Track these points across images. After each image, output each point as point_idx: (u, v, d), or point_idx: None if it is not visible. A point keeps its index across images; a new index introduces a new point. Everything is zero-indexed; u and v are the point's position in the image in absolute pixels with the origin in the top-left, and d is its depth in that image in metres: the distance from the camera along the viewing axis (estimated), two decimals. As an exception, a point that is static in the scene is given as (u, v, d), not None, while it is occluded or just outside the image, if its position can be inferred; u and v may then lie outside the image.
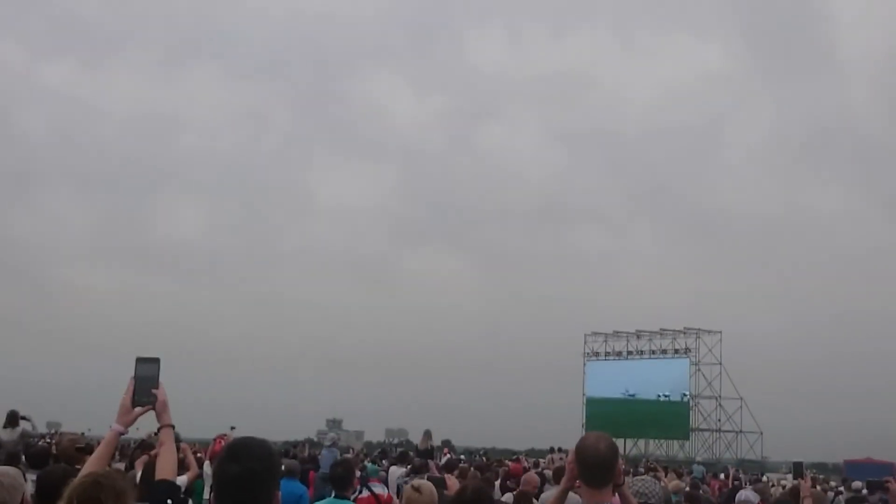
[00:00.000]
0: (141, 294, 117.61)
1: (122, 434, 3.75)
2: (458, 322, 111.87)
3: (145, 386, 3.66)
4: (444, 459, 19.64)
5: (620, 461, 4.23)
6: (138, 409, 3.67)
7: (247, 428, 23.53)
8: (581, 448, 4.10)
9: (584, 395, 62.58)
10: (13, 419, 14.05)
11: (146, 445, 14.30)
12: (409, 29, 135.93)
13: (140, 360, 3.70)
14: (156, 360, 3.71)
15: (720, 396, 57.97)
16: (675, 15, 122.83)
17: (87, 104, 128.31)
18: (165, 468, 3.68)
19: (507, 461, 27.79)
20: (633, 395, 58.72)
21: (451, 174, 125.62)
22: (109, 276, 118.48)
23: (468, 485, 7.25)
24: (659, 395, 58.36)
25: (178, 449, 10.35)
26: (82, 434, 14.86)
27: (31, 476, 7.00)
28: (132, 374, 3.66)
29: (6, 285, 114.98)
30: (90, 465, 3.65)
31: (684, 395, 58.24)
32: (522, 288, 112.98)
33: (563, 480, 4.28)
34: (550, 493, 9.11)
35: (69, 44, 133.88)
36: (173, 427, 3.78)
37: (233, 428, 20.98)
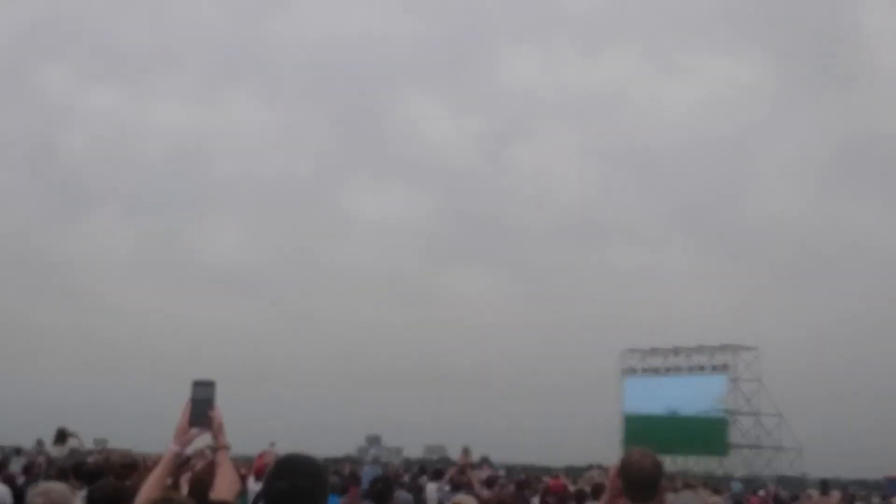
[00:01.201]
0: (182, 314, 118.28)
1: (179, 454, 3.85)
2: (495, 338, 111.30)
3: (202, 408, 3.75)
4: (483, 476, 19.69)
5: None
6: (194, 431, 3.76)
7: (287, 444, 23.70)
8: (626, 464, 4.13)
9: (621, 411, 62.25)
10: (62, 436, 14.31)
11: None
12: (444, 49, 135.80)
13: (196, 383, 3.78)
14: (211, 384, 3.79)
15: (759, 413, 57.45)
16: (707, 31, 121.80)
17: (130, 127, 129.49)
18: (223, 489, 3.76)
19: (545, 478, 27.83)
20: (675, 412, 58.28)
21: (487, 192, 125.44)
22: (152, 295, 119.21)
23: (491, 499, 7.35)
24: (697, 412, 57.97)
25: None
26: (129, 450, 15.12)
27: (81, 493, 7.21)
28: (189, 396, 3.74)
29: (53, 305, 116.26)
30: (151, 486, 3.75)
31: (722, 411, 57.78)
32: (558, 304, 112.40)
33: (605, 497, 4.33)
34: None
35: (114, 69, 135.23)
36: (229, 448, 3.89)
37: (273, 444, 21.17)
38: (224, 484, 3.79)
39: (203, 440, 3.91)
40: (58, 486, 4.75)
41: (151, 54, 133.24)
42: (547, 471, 43.95)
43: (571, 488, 16.99)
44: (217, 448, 3.85)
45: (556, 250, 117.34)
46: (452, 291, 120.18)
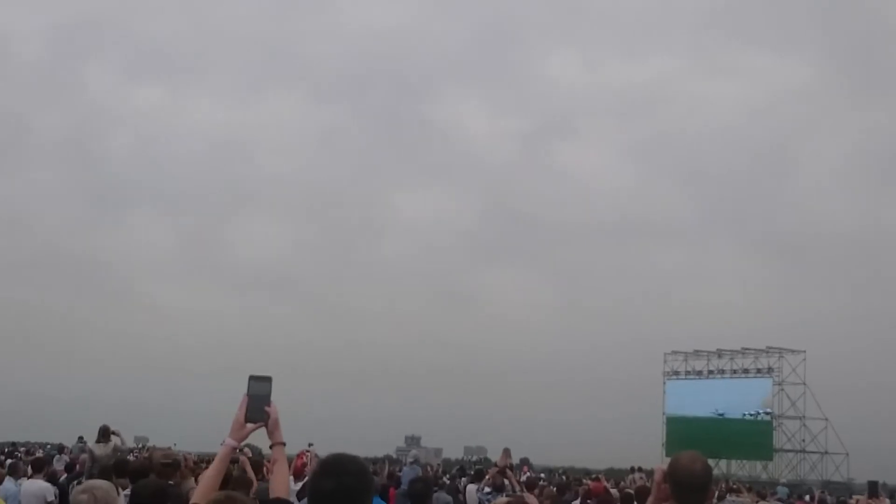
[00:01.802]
0: (222, 312, 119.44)
1: (236, 449, 3.85)
2: (535, 339, 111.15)
3: (258, 404, 3.76)
4: (524, 477, 19.59)
5: None
6: (250, 426, 3.76)
7: (326, 444, 23.74)
8: (675, 468, 4.05)
9: (664, 414, 61.85)
10: (105, 434, 14.38)
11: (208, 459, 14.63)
12: (486, 49, 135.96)
13: (253, 378, 3.80)
14: (268, 379, 3.81)
15: (804, 417, 56.81)
16: (753, 31, 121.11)
17: (171, 126, 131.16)
18: (280, 487, 3.77)
19: (586, 480, 27.67)
20: (722, 414, 57.80)
21: (528, 192, 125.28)
22: (192, 294, 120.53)
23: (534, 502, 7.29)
24: (743, 415, 57.48)
25: (235, 464, 10.56)
26: (170, 448, 15.18)
27: (125, 491, 7.23)
28: (246, 391, 3.74)
29: (94, 304, 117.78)
30: (209, 483, 3.76)
31: (767, 414, 57.24)
32: (600, 305, 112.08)
33: (650, 500, 4.26)
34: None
35: (155, 69, 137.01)
36: (285, 445, 3.89)
37: (311, 445, 21.20)
38: (280, 483, 3.79)
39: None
40: (102, 484, 4.75)
41: (192, 54, 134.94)
42: (587, 473, 43.74)
43: (614, 491, 16.84)
44: (273, 444, 3.84)
45: (598, 250, 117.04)
46: (493, 291, 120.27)
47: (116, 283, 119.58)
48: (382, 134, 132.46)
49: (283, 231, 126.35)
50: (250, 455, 12.63)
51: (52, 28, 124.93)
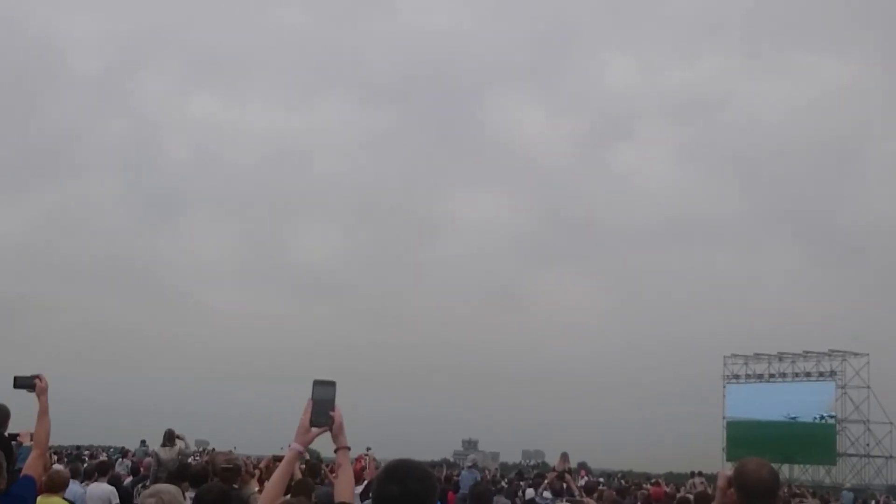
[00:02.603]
0: (277, 316, 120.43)
1: (301, 454, 3.90)
2: (591, 343, 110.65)
3: (323, 408, 3.77)
4: (582, 482, 19.52)
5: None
6: (315, 430, 3.77)
7: (383, 447, 23.89)
8: (742, 474, 4.02)
9: (723, 417, 61.22)
10: (171, 438, 14.59)
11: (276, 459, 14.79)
12: (540, 50, 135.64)
13: (317, 383, 3.82)
14: (332, 384, 3.82)
15: (868, 420, 55.89)
16: (806, 30, 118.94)
17: (225, 133, 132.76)
18: (345, 491, 3.80)
19: (645, 485, 27.48)
20: (795, 418, 57.09)
21: (583, 195, 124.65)
22: (247, 299, 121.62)
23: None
24: (808, 418, 56.73)
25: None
26: (230, 452, 15.36)
27: (190, 494, 7.35)
28: (310, 395, 3.77)
29: (151, 309, 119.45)
30: (273, 487, 3.81)
31: (830, 418, 56.41)
32: (657, 308, 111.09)
33: None
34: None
35: (209, 77, 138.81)
36: (349, 449, 3.93)
37: (369, 449, 21.34)
38: (344, 486, 3.82)
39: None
40: (170, 488, 4.84)
41: (246, 61, 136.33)
42: (647, 477, 43.43)
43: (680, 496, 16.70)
44: (337, 448, 3.86)
45: (655, 253, 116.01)
46: (548, 293, 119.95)
47: (174, 289, 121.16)
48: (436, 137, 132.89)
49: (337, 235, 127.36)
50: (308, 458, 12.75)
51: (109, 38, 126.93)
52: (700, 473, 31.85)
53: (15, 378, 5.93)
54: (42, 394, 5.93)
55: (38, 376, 5.93)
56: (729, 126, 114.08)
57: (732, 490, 4.08)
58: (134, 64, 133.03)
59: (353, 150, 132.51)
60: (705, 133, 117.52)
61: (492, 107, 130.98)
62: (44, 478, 7.63)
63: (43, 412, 5.95)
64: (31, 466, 5.63)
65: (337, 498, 3.80)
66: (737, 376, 61.80)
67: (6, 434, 8.10)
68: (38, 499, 5.99)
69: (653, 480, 32.18)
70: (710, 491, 13.99)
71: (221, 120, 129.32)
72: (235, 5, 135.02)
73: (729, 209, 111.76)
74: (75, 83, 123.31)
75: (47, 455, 7.64)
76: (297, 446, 3.81)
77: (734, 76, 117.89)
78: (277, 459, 14.92)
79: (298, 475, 9.52)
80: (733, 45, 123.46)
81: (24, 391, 6.00)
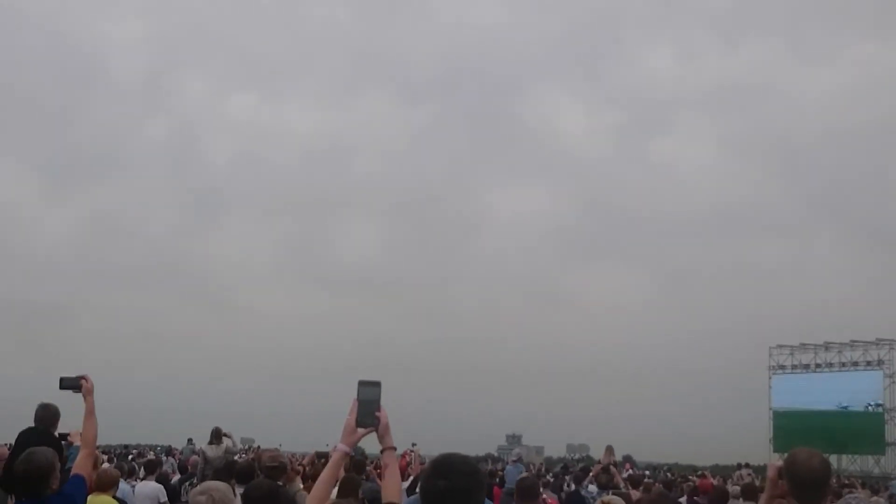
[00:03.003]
0: (320, 314, 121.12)
1: (348, 454, 3.89)
2: (635, 336, 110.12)
3: (368, 409, 3.77)
4: (626, 474, 19.42)
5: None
6: (361, 431, 3.77)
7: (428, 443, 23.91)
8: (793, 464, 3.99)
9: (770, 409, 60.60)
10: (217, 436, 14.69)
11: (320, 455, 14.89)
12: (577, 43, 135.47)
13: (362, 384, 3.81)
14: (377, 384, 3.82)
15: (918, 410, 55.14)
16: (849, 15, 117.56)
17: (268, 132, 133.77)
18: (392, 491, 3.78)
19: (692, 477, 27.28)
20: (846, 407, 56.42)
21: (624, 188, 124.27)
22: (290, 297, 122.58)
23: (642, 499, 7.23)
24: (851, 409, 56.03)
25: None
26: (276, 449, 15.41)
27: (240, 490, 7.39)
28: (355, 396, 3.78)
29: (197, 308, 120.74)
30: (321, 487, 3.81)
31: (879, 407, 55.65)
32: (700, 300, 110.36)
33: (763, 498, 4.18)
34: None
35: (251, 76, 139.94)
36: (395, 449, 3.90)
37: (414, 445, 21.36)
38: (392, 486, 3.81)
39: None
40: (220, 486, 4.85)
41: (286, 60, 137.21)
42: (693, 469, 43.12)
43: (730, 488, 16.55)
44: (384, 449, 3.85)
45: (696, 244, 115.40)
46: (591, 286, 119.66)
47: (219, 289, 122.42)
48: (476, 132, 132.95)
49: (379, 232, 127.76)
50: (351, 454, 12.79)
51: (148, 41, 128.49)
52: (747, 465, 31.56)
53: (61, 379, 6.00)
54: (88, 394, 5.99)
55: (83, 377, 5.99)
56: (772, 114, 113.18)
57: (783, 481, 4.04)
58: (174, 66, 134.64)
59: (394, 147, 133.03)
60: (747, 121, 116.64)
61: (531, 101, 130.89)
62: (93, 476, 7.70)
63: (89, 412, 6.01)
64: (80, 466, 5.70)
65: (385, 498, 3.79)
66: (782, 367, 61.11)
67: (56, 434, 8.21)
68: (88, 497, 6.04)
69: (699, 473, 31.96)
70: (758, 483, 13.85)
71: (261, 119, 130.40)
72: (273, 5, 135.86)
73: (773, 198, 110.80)
74: (117, 86, 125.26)
75: (97, 454, 7.73)
76: (344, 447, 3.80)
77: (776, 63, 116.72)
78: (321, 456, 15.00)
79: (342, 472, 9.54)
80: (775, 31, 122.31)
81: (70, 392, 6.07)
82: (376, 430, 3.80)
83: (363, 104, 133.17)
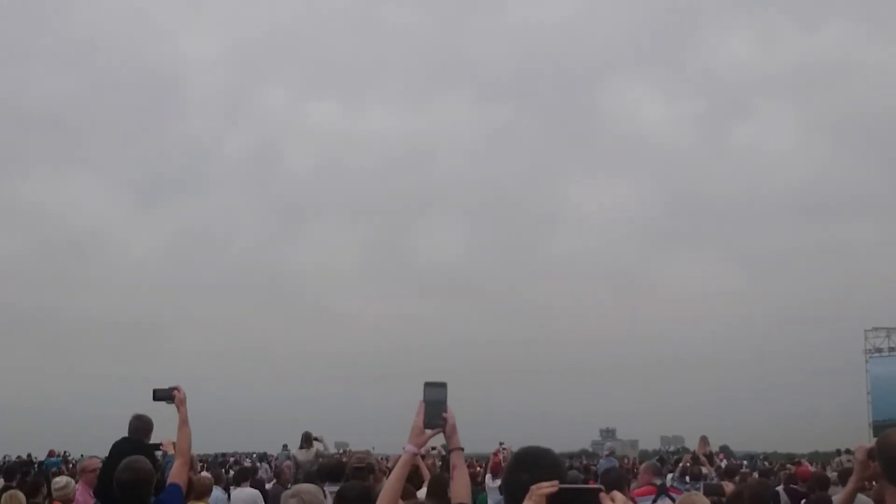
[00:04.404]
0: (407, 316, 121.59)
1: (416, 455, 3.93)
2: (723, 325, 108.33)
3: (435, 410, 3.77)
4: (722, 464, 19.19)
5: None
6: (429, 432, 3.78)
7: (521, 441, 23.83)
8: (885, 444, 3.87)
9: (868, 393, 59.19)
10: (308, 440, 14.89)
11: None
12: (653, 32, 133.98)
13: (428, 385, 3.81)
14: (443, 385, 3.81)
15: None
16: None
17: (349, 138, 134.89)
18: (461, 492, 3.83)
19: (789, 465, 26.79)
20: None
21: (707, 176, 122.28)
22: (377, 301, 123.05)
23: (742, 490, 7.15)
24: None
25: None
26: (368, 451, 15.56)
27: (330, 488, 7.50)
28: (422, 398, 3.81)
29: (286, 312, 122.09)
30: (391, 488, 3.86)
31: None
32: (789, 287, 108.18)
33: (852, 480, 4.12)
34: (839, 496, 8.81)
35: (329, 83, 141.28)
36: (463, 450, 3.92)
37: (502, 444, 21.41)
38: (461, 487, 3.84)
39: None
40: (309, 488, 4.96)
41: (363, 66, 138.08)
42: (790, 457, 42.37)
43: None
44: (451, 450, 3.89)
45: (783, 230, 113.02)
46: (676, 278, 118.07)
47: (308, 297, 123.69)
48: (554, 128, 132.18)
49: (462, 232, 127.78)
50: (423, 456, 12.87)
51: (230, 52, 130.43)
52: (847, 451, 30.88)
53: (154, 391, 6.13)
54: (181, 405, 6.11)
55: (175, 388, 6.12)
56: (854, 93, 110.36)
57: (875, 463, 3.96)
58: (252, 79, 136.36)
59: (473, 147, 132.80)
60: (830, 102, 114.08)
61: (607, 93, 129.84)
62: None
63: (183, 422, 6.14)
64: (176, 475, 5.84)
65: (455, 498, 3.81)
66: (879, 350, 59.67)
67: (150, 444, 8.41)
68: (184, 505, 6.19)
69: (796, 460, 31.39)
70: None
71: (341, 126, 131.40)
72: (345, 11, 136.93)
73: (861, 182, 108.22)
74: (198, 102, 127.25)
75: (194, 461, 7.91)
76: (412, 448, 3.82)
77: (856, 42, 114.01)
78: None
79: (426, 472, 9.59)
80: (853, 9, 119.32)
81: (163, 403, 6.21)
82: (444, 431, 3.81)
83: (441, 106, 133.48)
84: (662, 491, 9.63)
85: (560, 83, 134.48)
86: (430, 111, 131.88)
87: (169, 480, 5.84)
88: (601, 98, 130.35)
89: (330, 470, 9.18)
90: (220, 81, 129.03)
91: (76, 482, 10.01)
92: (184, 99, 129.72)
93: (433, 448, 15.80)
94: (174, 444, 6.76)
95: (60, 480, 9.85)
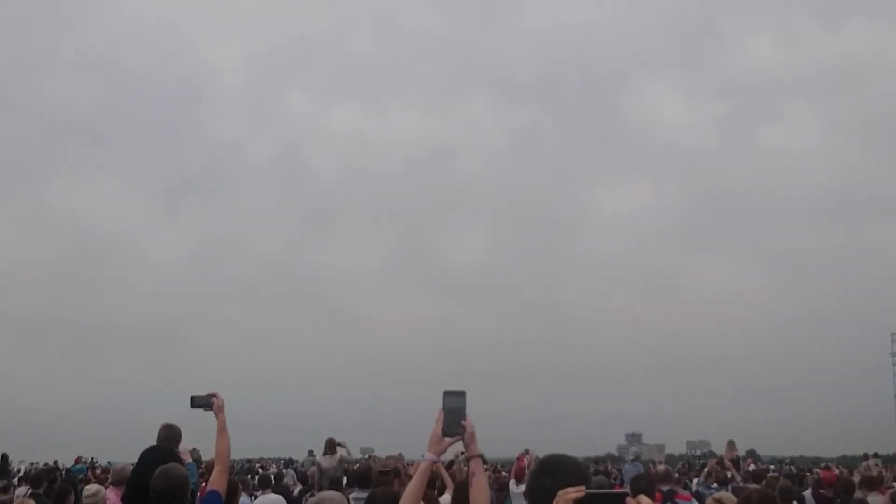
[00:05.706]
0: (431, 320, 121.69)
1: (435, 462, 3.98)
2: (748, 328, 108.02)
3: (454, 417, 3.78)
4: (751, 469, 19.10)
5: None
6: (448, 440, 3.80)
7: (545, 445, 23.87)
8: None
9: (894, 395, 58.77)
10: (331, 446, 14.91)
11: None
12: (676, 35, 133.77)
13: (448, 393, 3.83)
14: (462, 393, 3.83)
15: None
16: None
17: (372, 142, 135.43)
18: (481, 498, 3.84)
19: (816, 469, 26.60)
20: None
21: (732, 177, 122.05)
22: (401, 305, 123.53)
23: (752, 493, 7.12)
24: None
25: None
26: (398, 456, 15.59)
27: (357, 494, 7.54)
28: (441, 405, 3.81)
29: (310, 317, 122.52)
30: (410, 495, 3.87)
31: None
32: (815, 288, 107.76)
33: None
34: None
35: (352, 88, 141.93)
36: (482, 457, 3.95)
37: (527, 450, 21.42)
38: (480, 494, 3.87)
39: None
40: (334, 495, 4.96)
41: (386, 70, 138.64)
42: (816, 462, 42.12)
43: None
44: (470, 457, 3.92)
45: (809, 232, 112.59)
46: (702, 279, 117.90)
47: (333, 300, 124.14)
48: (577, 130, 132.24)
49: (487, 234, 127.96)
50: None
51: (254, 58, 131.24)
52: (875, 455, 30.66)
53: (192, 398, 6.14)
54: (219, 411, 6.12)
55: (214, 395, 6.12)
56: (878, 93, 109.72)
57: None
58: (276, 84, 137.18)
59: (497, 149, 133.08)
60: (854, 102, 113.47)
61: (631, 96, 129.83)
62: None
63: (221, 429, 6.15)
64: (215, 482, 5.86)
65: None
66: (906, 352, 59.32)
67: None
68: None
69: (823, 465, 31.16)
70: (885, 474, 13.49)
71: (365, 129, 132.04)
72: (368, 17, 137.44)
73: (886, 179, 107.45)
74: (223, 107, 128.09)
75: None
76: (432, 456, 3.83)
77: (879, 41, 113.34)
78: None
79: (448, 480, 9.60)
80: (876, 8, 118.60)
81: (201, 410, 6.23)
82: (463, 439, 3.82)
83: (464, 109, 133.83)
84: (668, 497, 9.59)
85: (584, 86, 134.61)
86: (453, 114, 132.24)
87: (208, 487, 5.86)
88: (625, 100, 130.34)
89: (358, 476, 9.22)
90: (244, 88, 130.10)
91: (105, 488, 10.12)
92: (208, 105, 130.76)
93: (461, 452, 15.82)
94: (191, 452, 6.79)
95: (91, 488, 9.94)
